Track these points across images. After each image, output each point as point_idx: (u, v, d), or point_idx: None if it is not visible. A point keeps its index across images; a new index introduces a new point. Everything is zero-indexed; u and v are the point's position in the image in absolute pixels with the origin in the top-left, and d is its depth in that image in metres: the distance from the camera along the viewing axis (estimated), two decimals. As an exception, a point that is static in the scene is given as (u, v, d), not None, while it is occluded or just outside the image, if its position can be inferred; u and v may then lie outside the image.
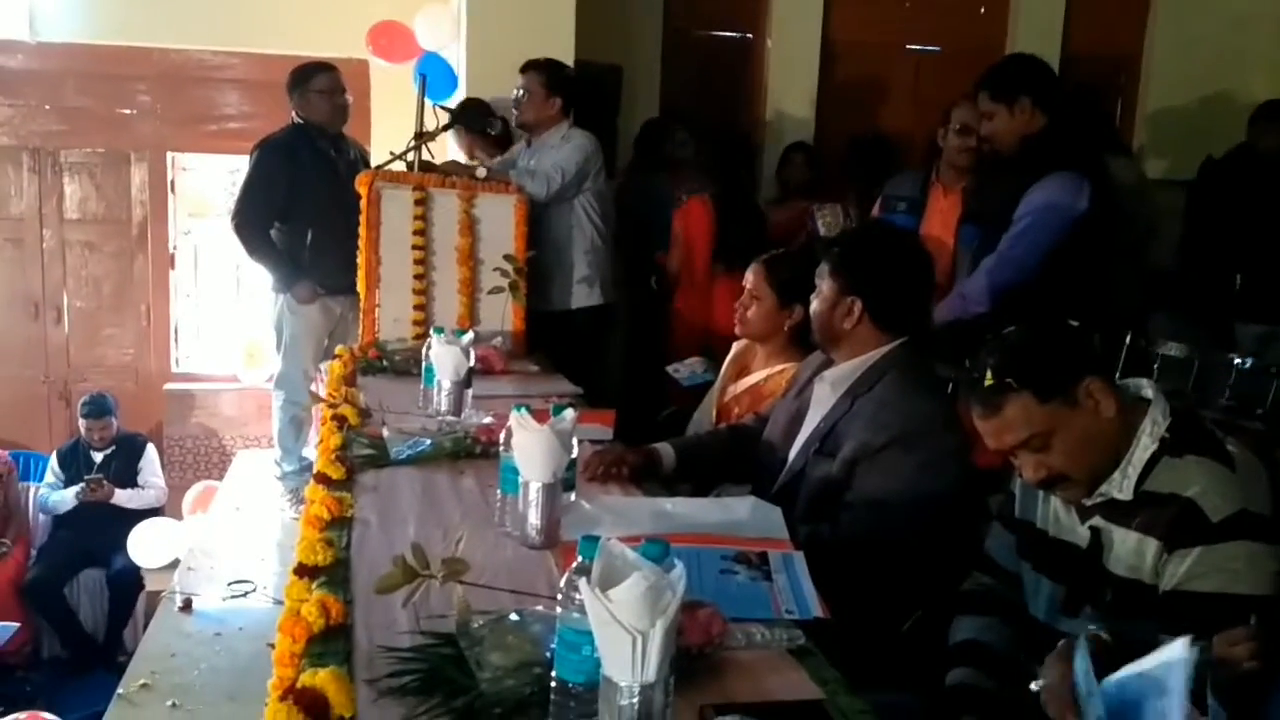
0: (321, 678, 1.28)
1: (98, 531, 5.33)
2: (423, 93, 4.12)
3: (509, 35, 4.36)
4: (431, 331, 2.85)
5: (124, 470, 5.51)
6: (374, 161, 4.47)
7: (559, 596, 1.21)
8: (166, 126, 5.84)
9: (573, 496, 1.99)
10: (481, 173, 3.93)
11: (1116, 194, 3.27)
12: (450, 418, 2.64)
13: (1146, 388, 1.73)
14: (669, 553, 1.19)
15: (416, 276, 3.80)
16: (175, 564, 4.62)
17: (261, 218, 4.39)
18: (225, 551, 4.29)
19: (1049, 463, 1.66)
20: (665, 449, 2.49)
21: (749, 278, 2.80)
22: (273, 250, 4.42)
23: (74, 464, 5.49)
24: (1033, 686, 1.19)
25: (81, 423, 5.50)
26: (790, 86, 5.51)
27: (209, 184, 6.11)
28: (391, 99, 5.24)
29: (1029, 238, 3.09)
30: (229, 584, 3.94)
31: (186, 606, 3.79)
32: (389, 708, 1.31)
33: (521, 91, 4.08)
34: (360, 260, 3.80)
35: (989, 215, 3.29)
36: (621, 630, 1.10)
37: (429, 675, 1.36)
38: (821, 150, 5.26)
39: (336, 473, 2.19)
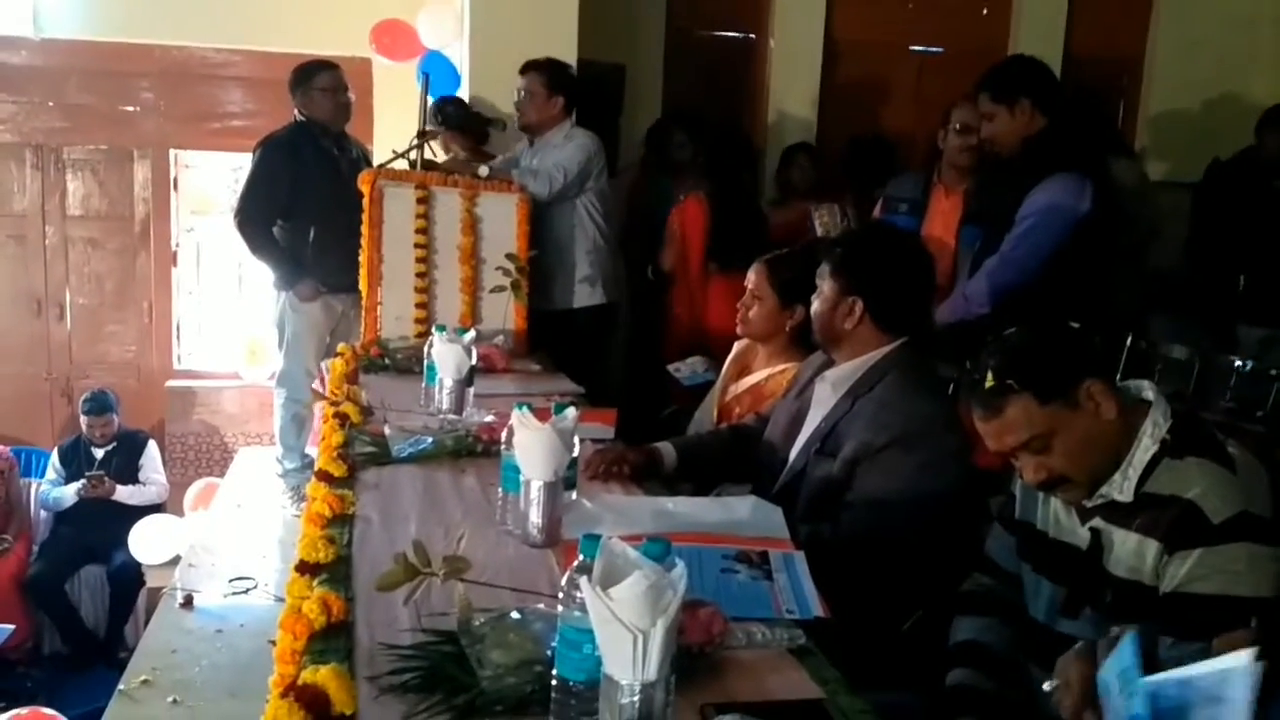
0: (323, 675, 1.28)
1: (99, 528, 5.34)
2: (426, 91, 4.13)
3: (512, 34, 4.36)
4: (433, 330, 2.86)
5: (125, 467, 5.51)
6: (376, 160, 4.48)
7: (560, 595, 1.22)
8: (169, 124, 5.85)
9: (574, 495, 2.00)
10: (484, 171, 3.93)
11: (1118, 195, 3.27)
12: (452, 416, 2.64)
13: (1147, 389, 1.73)
14: (670, 552, 1.20)
15: (419, 275, 3.81)
16: (176, 560, 4.63)
17: (264, 215, 4.40)
18: (226, 548, 4.30)
19: (1049, 464, 1.66)
20: (666, 448, 2.49)
21: (751, 278, 2.80)
22: (275, 248, 4.42)
23: (75, 461, 5.49)
24: (1045, 687, 1.18)
25: (83, 419, 5.51)
26: (792, 87, 5.51)
27: (212, 181, 6.11)
28: (394, 97, 5.25)
29: (1031, 239, 3.08)
30: (230, 581, 3.95)
31: (188, 603, 3.80)
32: (390, 705, 1.31)
33: (523, 93, 4.08)
34: (363, 258, 3.81)
35: (990, 216, 3.29)
36: (622, 629, 1.11)
37: (430, 673, 1.36)
38: (823, 151, 5.26)
39: (338, 470, 2.20)
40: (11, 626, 4.50)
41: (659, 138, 4.77)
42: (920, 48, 5.77)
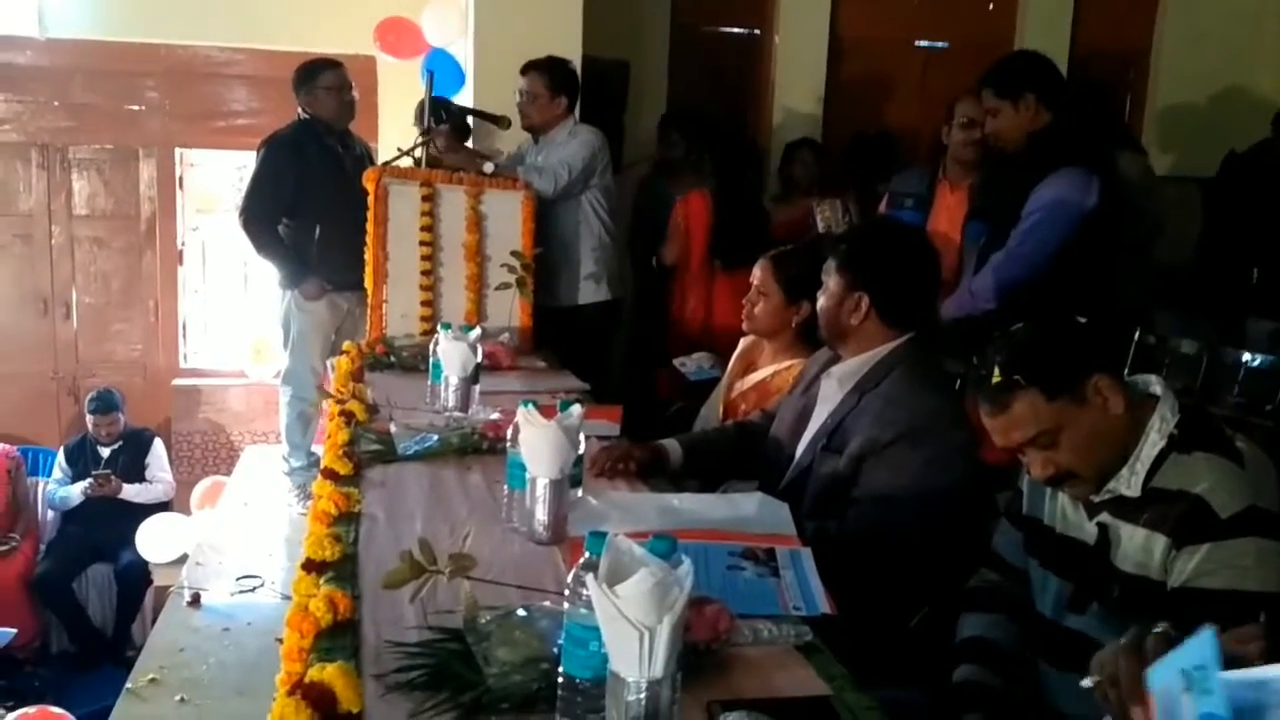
0: (329, 673, 1.28)
1: (106, 527, 5.36)
2: (430, 89, 4.13)
3: (517, 31, 4.36)
4: (439, 327, 2.85)
5: (131, 465, 5.53)
6: (380, 158, 4.47)
7: (566, 592, 1.21)
8: (175, 122, 5.86)
9: (580, 492, 1.99)
10: (489, 168, 3.93)
11: (1124, 189, 3.26)
12: (457, 413, 2.64)
13: (1155, 384, 1.72)
14: (676, 549, 1.19)
15: (424, 272, 3.81)
16: (183, 559, 4.64)
17: (269, 214, 4.40)
18: (233, 547, 4.30)
19: (1057, 460, 1.65)
20: (672, 445, 2.48)
21: (756, 274, 2.79)
22: (280, 246, 4.43)
23: (81, 460, 5.51)
24: (1085, 683, 1.16)
25: (89, 418, 5.52)
26: (798, 83, 5.50)
27: (217, 180, 6.13)
28: (399, 95, 5.25)
29: (1037, 234, 3.07)
30: (237, 579, 3.96)
31: (195, 601, 3.81)
32: (396, 703, 1.31)
33: (524, 94, 4.07)
34: (368, 256, 3.81)
35: (996, 212, 3.28)
36: (629, 626, 1.10)
37: (436, 670, 1.36)
38: (829, 146, 5.25)
39: (344, 468, 2.20)
40: (14, 630, 4.50)
41: (658, 136, 4.77)
42: (925, 43, 5.76)
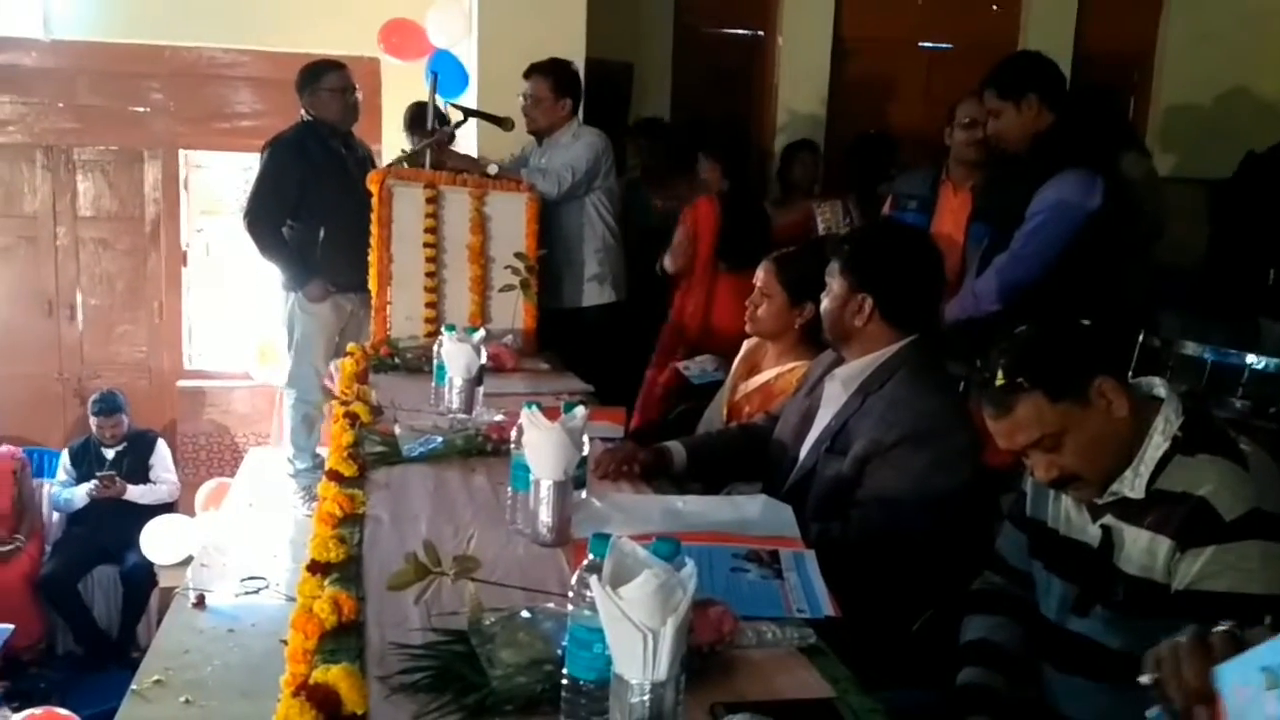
0: (334, 674, 1.28)
1: (111, 528, 5.37)
2: (434, 90, 4.13)
3: (520, 32, 4.36)
4: (443, 329, 2.85)
5: (135, 466, 5.54)
6: (383, 160, 4.47)
7: (570, 594, 1.21)
8: (179, 124, 5.88)
9: (584, 494, 2.00)
10: (493, 170, 3.94)
11: (1128, 190, 3.25)
12: (462, 415, 2.65)
13: (1159, 386, 1.72)
14: (680, 551, 1.19)
15: (428, 274, 3.82)
16: (188, 560, 4.64)
17: (273, 215, 4.40)
18: (238, 548, 4.31)
19: (1061, 462, 1.65)
20: (676, 447, 2.48)
21: (760, 275, 2.79)
22: (284, 248, 4.42)
23: (85, 461, 5.52)
24: (1144, 679, 1.16)
25: (92, 420, 5.54)
26: (801, 84, 5.50)
27: (221, 181, 6.14)
28: (403, 97, 5.25)
29: (1041, 236, 3.07)
30: (242, 580, 3.96)
31: (200, 603, 3.81)
32: (401, 704, 1.31)
33: (528, 98, 4.07)
34: (372, 258, 3.81)
35: (999, 213, 3.27)
36: (632, 628, 1.11)
37: (440, 672, 1.37)
38: (832, 148, 5.25)
39: (349, 470, 2.20)
40: (11, 626, 4.51)
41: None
42: (929, 44, 5.76)
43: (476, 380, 2.71)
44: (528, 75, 4.08)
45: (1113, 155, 3.30)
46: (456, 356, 2.68)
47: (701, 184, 4.36)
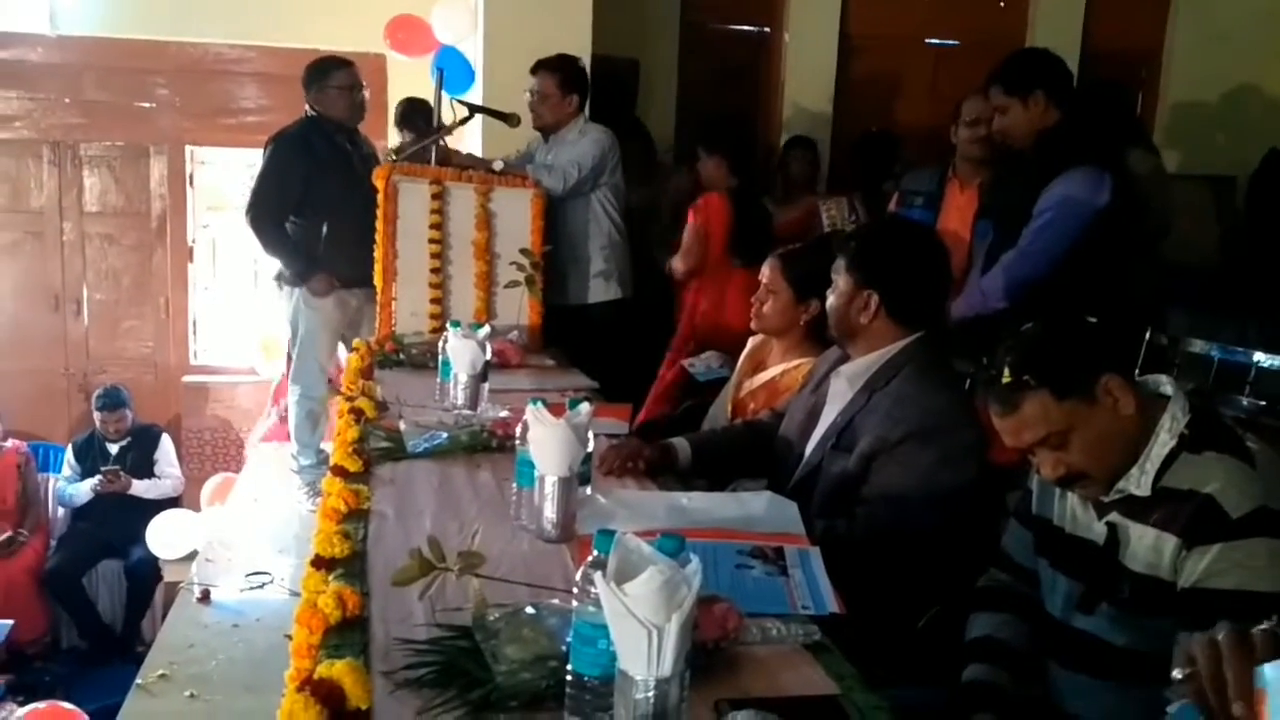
0: (338, 669, 1.28)
1: (116, 523, 5.38)
2: (440, 87, 4.13)
3: (527, 29, 4.36)
4: (448, 325, 2.86)
5: (140, 461, 5.55)
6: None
7: (575, 590, 1.22)
8: (185, 120, 5.88)
9: (589, 490, 2.00)
10: (498, 166, 3.93)
11: (1135, 187, 3.24)
12: (467, 411, 2.65)
13: (1165, 384, 1.71)
14: (685, 547, 1.19)
15: (433, 270, 3.82)
16: (193, 555, 4.66)
17: (276, 211, 4.39)
18: (243, 543, 4.32)
19: (1067, 460, 1.65)
20: (681, 444, 2.48)
21: (765, 272, 2.79)
22: (288, 244, 4.41)
23: (90, 456, 5.53)
24: (1176, 675, 1.15)
25: (96, 415, 5.55)
26: (807, 81, 5.50)
27: (227, 177, 6.15)
28: (409, 93, 5.25)
29: (1049, 233, 3.06)
30: (246, 575, 3.97)
31: (204, 598, 3.82)
32: (405, 700, 1.31)
33: (535, 94, 4.07)
34: (377, 253, 3.81)
35: (1005, 210, 3.26)
36: (637, 624, 1.10)
37: (445, 668, 1.37)
38: (839, 145, 5.24)
39: (354, 465, 2.20)
40: (11, 621, 4.52)
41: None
42: (936, 41, 5.75)
43: (482, 376, 2.71)
44: (534, 71, 4.07)
45: (1120, 152, 3.29)
46: (462, 352, 2.68)
47: (688, 179, 4.36)
